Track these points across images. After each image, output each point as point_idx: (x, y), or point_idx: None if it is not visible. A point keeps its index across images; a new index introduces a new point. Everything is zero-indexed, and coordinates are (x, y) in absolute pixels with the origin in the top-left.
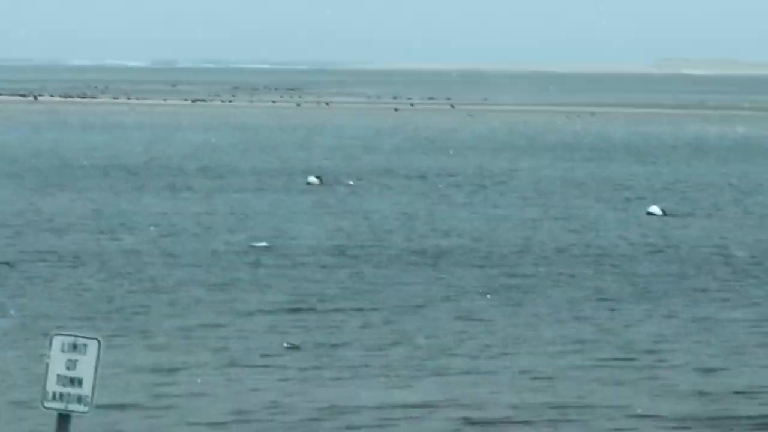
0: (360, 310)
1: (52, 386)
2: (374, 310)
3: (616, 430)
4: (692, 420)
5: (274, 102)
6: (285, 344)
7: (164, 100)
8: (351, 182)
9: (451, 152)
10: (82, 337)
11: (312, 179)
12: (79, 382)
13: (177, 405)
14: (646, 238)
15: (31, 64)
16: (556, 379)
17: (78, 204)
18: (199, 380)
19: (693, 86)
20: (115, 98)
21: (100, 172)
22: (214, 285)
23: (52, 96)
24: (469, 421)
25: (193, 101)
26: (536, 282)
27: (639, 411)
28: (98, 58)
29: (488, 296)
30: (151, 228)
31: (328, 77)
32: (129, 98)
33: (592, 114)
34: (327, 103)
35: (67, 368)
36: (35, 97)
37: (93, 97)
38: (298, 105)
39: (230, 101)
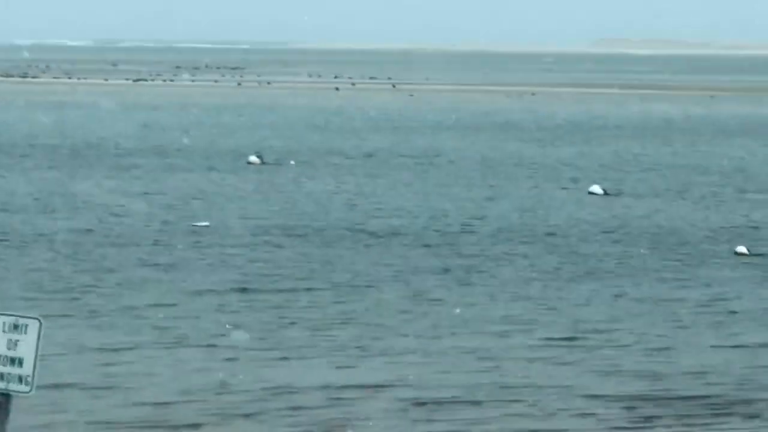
0: (307, 290)
1: None
2: (321, 290)
3: (564, 410)
4: (640, 400)
5: (215, 81)
6: (227, 326)
7: (105, 79)
8: (292, 162)
9: (395, 132)
10: (23, 317)
11: (253, 159)
12: (20, 362)
13: (123, 385)
14: (590, 217)
15: None
16: (504, 359)
17: (23, 184)
18: (145, 360)
19: (633, 66)
20: (56, 78)
21: (45, 152)
22: (159, 265)
23: None
24: (418, 402)
25: (134, 81)
26: (483, 261)
27: (587, 391)
28: (40, 37)
29: (436, 276)
30: (97, 208)
31: (268, 56)
32: (70, 78)
33: (533, 94)
34: (268, 83)
35: (8, 348)
36: None
37: (34, 77)
38: (240, 84)
39: (172, 80)
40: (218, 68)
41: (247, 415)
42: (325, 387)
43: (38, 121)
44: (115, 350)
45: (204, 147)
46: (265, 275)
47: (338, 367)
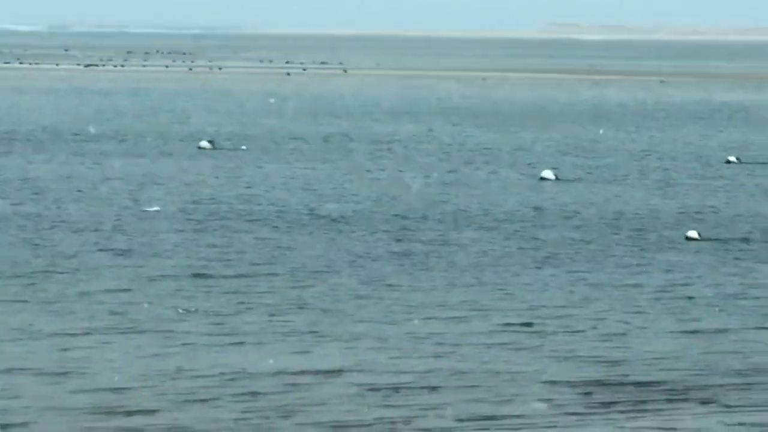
0: (263, 275)
1: None
2: (276, 275)
3: (521, 395)
4: (597, 385)
5: (167, 66)
6: (180, 310)
7: (56, 64)
8: (244, 147)
9: (348, 117)
10: None
11: (204, 144)
12: None
13: (79, 370)
14: (545, 203)
15: None
16: (461, 344)
17: None
18: (101, 346)
19: (584, 51)
20: (6, 63)
21: None
22: (115, 250)
23: None
24: (373, 387)
25: (86, 66)
26: (438, 247)
27: (544, 377)
28: None
29: (391, 261)
30: (52, 193)
31: (219, 42)
32: (21, 63)
33: (484, 79)
34: (220, 68)
35: None
36: None
37: None
38: (191, 69)
39: (122, 66)
40: (169, 53)
41: (203, 401)
42: (281, 372)
43: None
44: (71, 335)
45: (156, 132)
46: (221, 260)
47: (294, 353)
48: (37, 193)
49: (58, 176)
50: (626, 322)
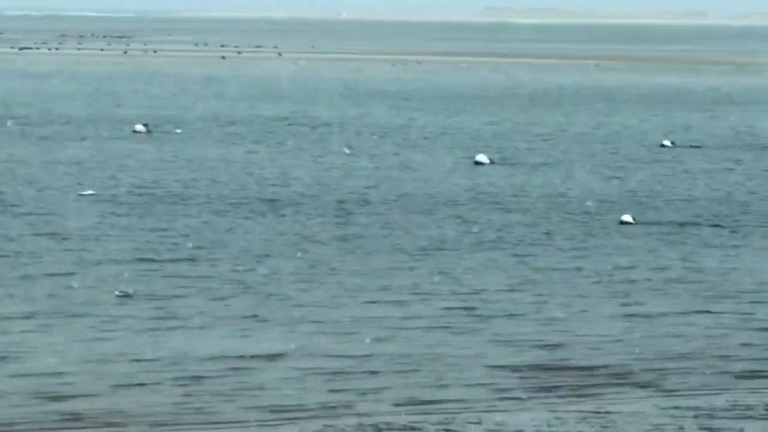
0: (202, 259)
1: None
2: (217, 259)
3: (461, 379)
4: (537, 369)
5: (101, 50)
6: (117, 292)
7: None
8: (179, 130)
9: (285, 100)
10: None
11: (139, 127)
12: None
13: (18, 354)
14: (483, 187)
15: None
16: (402, 328)
17: None
18: (40, 330)
19: (519, 34)
20: None
21: None
22: (53, 234)
23: None
24: (314, 371)
25: (20, 49)
26: (377, 231)
27: (485, 361)
28: None
29: (330, 245)
30: None
31: (154, 25)
32: None
33: (419, 63)
34: (154, 51)
35: None
36: None
37: None
38: (126, 53)
39: (57, 49)
40: (104, 37)
41: (143, 385)
42: (223, 356)
43: None
44: (10, 319)
45: (91, 115)
46: (160, 244)
47: (236, 337)
48: None
49: None
50: (567, 306)
